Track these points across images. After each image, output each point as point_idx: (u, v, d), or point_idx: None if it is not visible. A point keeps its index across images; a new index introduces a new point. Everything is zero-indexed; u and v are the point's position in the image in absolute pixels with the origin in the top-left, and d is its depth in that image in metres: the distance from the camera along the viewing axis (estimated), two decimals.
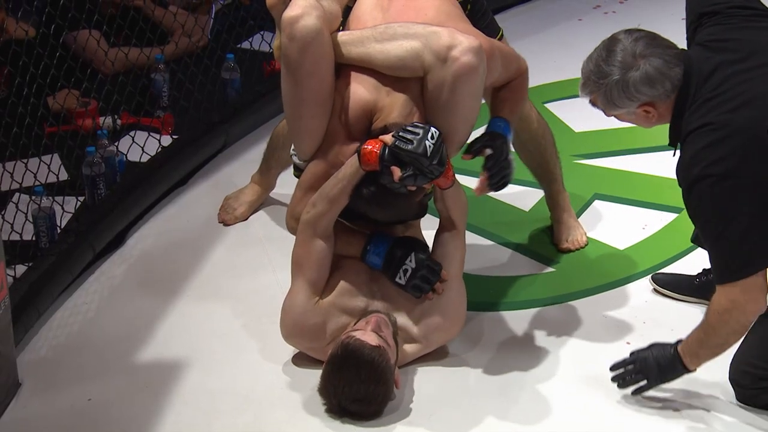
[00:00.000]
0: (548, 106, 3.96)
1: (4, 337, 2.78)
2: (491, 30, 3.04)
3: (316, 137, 2.79)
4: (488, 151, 2.76)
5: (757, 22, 2.57)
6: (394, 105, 2.73)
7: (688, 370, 2.66)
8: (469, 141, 2.81)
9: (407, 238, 2.85)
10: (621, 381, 2.73)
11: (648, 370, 2.68)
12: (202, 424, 2.76)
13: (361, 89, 2.75)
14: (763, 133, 2.44)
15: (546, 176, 3.30)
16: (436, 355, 2.92)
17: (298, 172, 2.93)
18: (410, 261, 2.78)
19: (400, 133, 2.62)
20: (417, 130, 2.62)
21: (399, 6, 2.81)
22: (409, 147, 2.60)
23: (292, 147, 2.95)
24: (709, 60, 2.51)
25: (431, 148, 2.60)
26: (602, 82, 2.53)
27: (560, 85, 4.09)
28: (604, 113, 2.63)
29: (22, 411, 2.81)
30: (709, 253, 2.57)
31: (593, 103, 2.61)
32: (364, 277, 2.84)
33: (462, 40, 2.63)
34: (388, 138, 2.64)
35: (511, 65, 2.86)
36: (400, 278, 2.80)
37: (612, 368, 2.74)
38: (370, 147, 2.65)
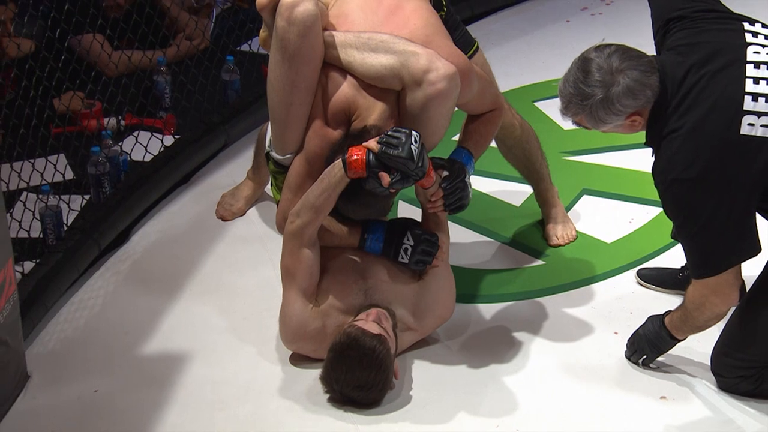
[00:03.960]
0: (537, 104, 3.95)
1: (13, 330, 2.78)
2: (464, 43, 3.01)
3: (302, 127, 2.76)
4: (445, 173, 2.76)
5: (722, 24, 2.56)
6: (374, 107, 2.72)
7: (678, 340, 2.74)
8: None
9: (399, 220, 2.86)
10: (629, 358, 2.84)
11: (642, 346, 2.79)
12: (205, 413, 2.76)
13: (342, 85, 2.74)
14: (733, 136, 2.46)
15: (533, 176, 3.30)
16: (431, 344, 2.92)
17: (278, 167, 2.87)
18: (408, 239, 2.79)
19: (385, 140, 2.61)
20: (400, 135, 2.61)
21: (387, 9, 2.78)
22: (396, 152, 2.59)
23: (268, 141, 2.89)
24: (681, 64, 2.51)
25: (417, 152, 2.60)
26: (586, 104, 2.51)
27: (549, 84, 4.08)
28: (585, 128, 2.62)
29: (31, 402, 2.81)
30: (684, 250, 2.60)
31: (578, 123, 2.59)
32: (356, 275, 2.83)
33: (439, 66, 2.63)
34: (372, 144, 2.62)
35: (486, 93, 2.84)
36: (402, 258, 2.80)
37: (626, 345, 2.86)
38: (355, 156, 2.62)
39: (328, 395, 2.74)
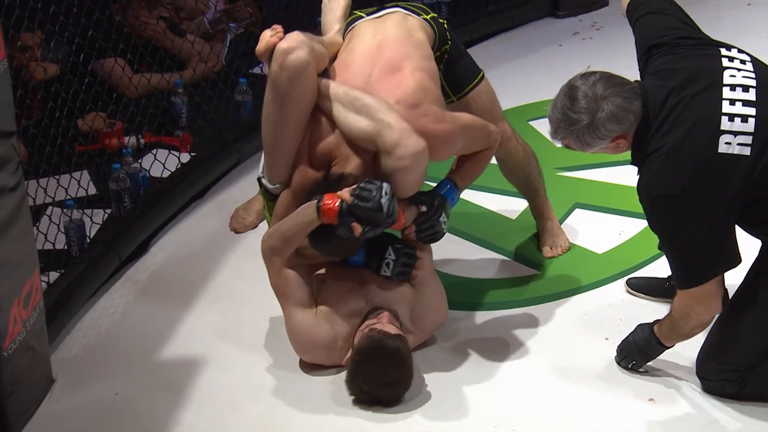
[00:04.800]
0: (532, 123, 3.98)
1: (39, 337, 2.81)
2: (470, 74, 3.04)
3: (290, 161, 2.80)
4: (423, 208, 2.80)
5: (700, 50, 2.60)
6: (352, 158, 2.75)
7: (666, 347, 2.75)
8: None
9: (379, 235, 2.88)
10: (619, 363, 2.85)
11: (632, 352, 2.80)
12: (219, 415, 2.79)
13: (328, 133, 2.77)
14: (712, 155, 2.49)
15: (530, 193, 3.33)
16: (431, 349, 2.95)
17: (268, 194, 2.91)
18: (390, 254, 2.82)
19: (357, 192, 2.64)
20: (372, 188, 2.64)
21: (385, 66, 2.80)
22: (368, 205, 2.62)
23: (261, 169, 2.94)
24: (662, 88, 2.54)
25: (386, 205, 2.63)
26: (573, 129, 2.55)
27: (543, 104, 4.11)
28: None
29: (55, 405, 2.85)
30: (668, 263, 2.63)
31: (567, 146, 2.63)
32: (353, 283, 2.86)
33: (408, 144, 2.65)
34: (346, 195, 2.65)
35: (476, 140, 2.87)
36: (384, 271, 2.83)
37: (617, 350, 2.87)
38: (329, 203, 2.65)
39: (353, 397, 2.75)
